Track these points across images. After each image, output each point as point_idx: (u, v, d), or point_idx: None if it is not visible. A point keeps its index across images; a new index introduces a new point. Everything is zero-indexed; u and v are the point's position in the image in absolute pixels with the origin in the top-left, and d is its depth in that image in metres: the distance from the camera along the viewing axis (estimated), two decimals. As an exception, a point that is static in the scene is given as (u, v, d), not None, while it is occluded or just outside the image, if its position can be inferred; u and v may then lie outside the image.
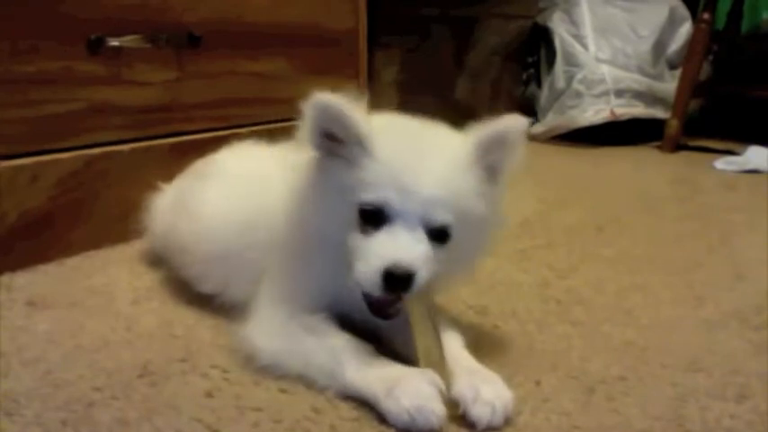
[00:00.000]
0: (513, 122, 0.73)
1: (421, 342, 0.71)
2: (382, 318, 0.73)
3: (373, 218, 0.69)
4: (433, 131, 0.76)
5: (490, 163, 0.73)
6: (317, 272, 0.77)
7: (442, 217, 0.69)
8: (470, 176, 0.71)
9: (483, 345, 0.83)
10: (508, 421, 0.67)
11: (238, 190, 0.90)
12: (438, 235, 0.70)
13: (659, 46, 2.49)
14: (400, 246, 0.67)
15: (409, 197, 0.68)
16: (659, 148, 2.32)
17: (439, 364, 0.70)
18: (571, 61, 2.41)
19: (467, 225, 0.72)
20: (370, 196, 0.69)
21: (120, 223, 1.15)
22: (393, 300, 0.71)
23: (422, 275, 0.67)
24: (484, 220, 0.74)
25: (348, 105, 0.71)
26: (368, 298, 0.71)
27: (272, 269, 0.81)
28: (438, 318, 0.77)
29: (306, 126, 0.72)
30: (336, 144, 0.72)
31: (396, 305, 0.72)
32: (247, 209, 0.85)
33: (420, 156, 0.70)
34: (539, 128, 2.46)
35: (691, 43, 2.30)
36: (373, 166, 0.70)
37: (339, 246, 0.71)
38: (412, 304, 0.72)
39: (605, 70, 2.36)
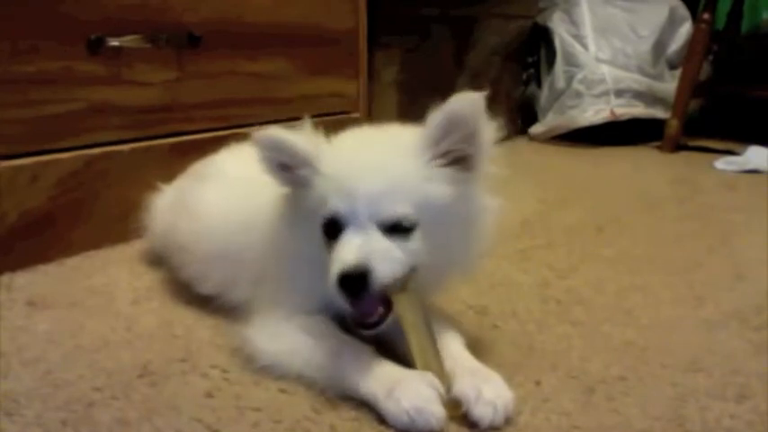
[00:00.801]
0: (462, 102, 0.70)
1: (416, 345, 0.71)
2: (365, 329, 0.72)
3: (332, 230, 0.71)
4: (384, 134, 0.76)
5: (449, 148, 0.71)
6: (312, 274, 0.77)
7: (391, 210, 0.69)
8: (420, 164, 0.70)
9: (483, 345, 0.83)
10: (508, 421, 0.67)
11: (237, 191, 0.90)
12: (398, 228, 0.69)
13: (659, 46, 2.49)
14: (348, 249, 0.68)
15: (353, 200, 0.69)
16: (659, 148, 2.32)
17: (435, 366, 0.70)
18: (571, 61, 2.41)
19: (437, 214, 0.71)
20: (324, 210, 0.71)
21: (120, 223, 1.15)
22: (370, 309, 0.70)
23: (381, 271, 0.67)
24: (459, 208, 0.72)
25: (289, 134, 0.73)
26: (349, 312, 0.72)
27: (270, 270, 0.81)
28: (433, 318, 0.77)
29: (261, 161, 0.75)
30: (291, 172, 0.74)
31: (375, 314, 0.71)
32: (246, 209, 0.85)
33: (361, 159, 0.71)
34: (539, 128, 2.46)
35: (691, 43, 2.30)
36: (321, 181, 0.72)
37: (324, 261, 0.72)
38: (402, 309, 0.71)
39: (605, 70, 2.36)
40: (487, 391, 0.67)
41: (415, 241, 0.70)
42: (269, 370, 0.74)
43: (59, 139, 1.11)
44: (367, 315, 0.71)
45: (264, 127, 0.75)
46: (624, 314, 0.97)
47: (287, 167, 0.74)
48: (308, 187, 0.73)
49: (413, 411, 0.64)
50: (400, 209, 0.69)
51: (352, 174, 0.70)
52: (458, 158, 0.71)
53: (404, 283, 0.70)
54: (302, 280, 0.78)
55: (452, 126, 0.70)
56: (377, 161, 0.70)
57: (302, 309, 0.77)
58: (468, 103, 0.69)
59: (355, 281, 0.66)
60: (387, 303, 0.71)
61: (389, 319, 0.71)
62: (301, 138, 0.73)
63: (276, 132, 0.73)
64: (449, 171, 0.71)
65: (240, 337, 0.77)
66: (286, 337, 0.75)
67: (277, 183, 0.76)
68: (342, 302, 0.69)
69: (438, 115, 0.70)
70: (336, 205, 0.70)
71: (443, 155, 0.71)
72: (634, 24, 2.48)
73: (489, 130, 0.71)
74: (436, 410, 0.64)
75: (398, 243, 0.69)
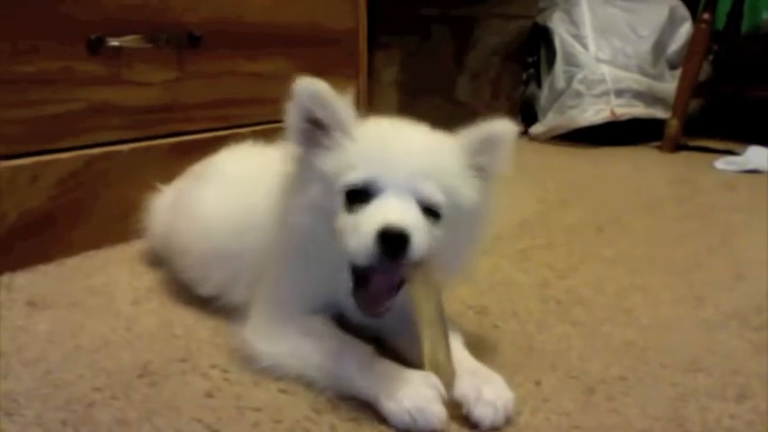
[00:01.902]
0: (504, 127, 0.75)
1: (428, 340, 0.70)
2: (373, 313, 0.70)
3: (361, 196, 0.68)
4: (417, 127, 0.77)
5: (479, 163, 0.74)
6: (312, 273, 0.77)
7: (430, 191, 0.69)
8: (457, 162, 0.73)
9: (483, 345, 0.83)
10: (509, 421, 0.67)
11: (237, 191, 0.90)
12: (429, 211, 0.69)
13: (659, 46, 2.49)
14: (392, 209, 0.66)
15: (397, 169, 0.69)
16: (659, 148, 2.32)
17: (444, 364, 0.69)
18: (571, 61, 2.41)
19: (458, 211, 0.72)
20: (358, 175, 0.69)
21: (120, 223, 1.15)
22: (389, 285, 0.69)
23: (418, 241, 0.65)
24: (475, 210, 0.74)
25: (332, 92, 0.73)
26: (356, 293, 0.70)
27: (269, 271, 0.81)
28: (446, 317, 0.77)
29: (292, 110, 0.73)
30: (319, 131, 0.72)
31: (390, 296, 0.69)
32: (246, 210, 0.85)
33: (404, 137, 0.73)
34: (539, 128, 2.46)
35: (691, 43, 2.30)
36: (357, 147, 0.71)
37: (328, 243, 0.71)
38: (420, 301, 0.69)
39: (605, 70, 2.36)
40: (488, 391, 0.67)
41: (438, 230, 0.70)
42: (269, 371, 0.74)
43: (59, 139, 1.11)
44: (378, 300, 0.69)
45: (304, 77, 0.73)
46: (624, 314, 0.97)
47: (317, 124, 0.72)
48: (333, 150, 0.71)
49: (414, 411, 0.64)
50: (438, 195, 0.70)
51: (399, 147, 0.71)
52: (482, 170, 0.74)
53: (426, 274, 0.69)
54: (302, 280, 0.78)
55: (487, 146, 0.74)
56: (422, 144, 0.73)
57: (302, 309, 0.77)
58: (508, 130, 0.75)
59: (395, 240, 0.64)
60: (396, 290, 0.70)
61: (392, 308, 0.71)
62: (343, 100, 0.73)
63: (321, 85, 0.72)
64: (475, 179, 0.74)
65: (239, 338, 0.77)
66: (286, 338, 0.75)
67: (294, 139, 0.74)
68: (363, 264, 0.66)
69: (478, 132, 0.74)
70: (377, 171, 0.68)
71: (474, 166, 0.74)
72: (634, 24, 2.48)
73: (512, 156, 0.75)
74: (437, 410, 0.64)
75: (428, 224, 0.69)
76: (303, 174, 0.74)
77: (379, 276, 0.68)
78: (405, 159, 0.69)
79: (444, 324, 0.71)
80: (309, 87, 0.72)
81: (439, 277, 0.74)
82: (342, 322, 0.77)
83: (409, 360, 0.74)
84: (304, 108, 0.72)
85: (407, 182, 0.68)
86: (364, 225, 0.65)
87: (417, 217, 0.67)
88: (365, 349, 0.72)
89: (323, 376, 0.71)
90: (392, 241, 0.64)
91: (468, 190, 0.73)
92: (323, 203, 0.71)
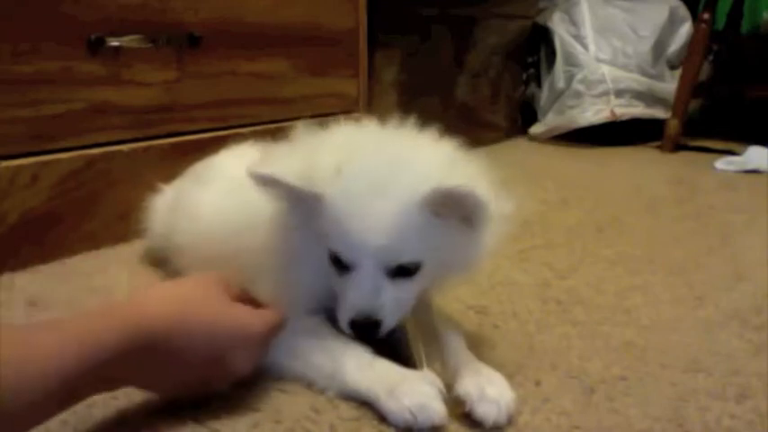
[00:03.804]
0: (467, 192, 0.65)
1: (416, 347, 0.72)
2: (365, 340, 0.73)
3: (339, 262, 0.71)
4: (394, 165, 0.69)
5: (451, 214, 0.69)
6: (311, 273, 0.77)
7: (397, 259, 0.69)
8: (426, 215, 0.67)
9: (483, 345, 0.83)
10: (509, 420, 0.67)
11: (237, 191, 0.90)
12: (405, 270, 0.70)
13: (659, 46, 2.49)
14: (359, 296, 0.69)
15: (359, 250, 0.69)
16: (659, 148, 2.32)
17: (435, 366, 0.71)
18: (571, 61, 2.41)
19: (440, 253, 0.71)
20: (331, 246, 0.70)
21: (120, 223, 1.15)
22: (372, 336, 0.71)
23: (389, 318, 0.70)
24: (464, 246, 0.72)
25: (287, 174, 0.68)
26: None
27: (269, 271, 0.81)
28: (434, 318, 0.78)
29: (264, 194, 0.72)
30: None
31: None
32: (246, 210, 0.85)
33: (368, 207, 0.67)
34: (539, 128, 2.47)
35: (691, 43, 2.30)
36: (325, 219, 0.69)
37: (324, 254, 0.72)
38: (406, 323, 0.74)
39: (605, 70, 2.36)
40: (491, 390, 0.67)
41: (420, 278, 0.71)
42: (268, 371, 0.74)
43: (59, 139, 1.11)
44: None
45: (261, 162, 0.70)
46: (624, 314, 0.97)
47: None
48: (313, 213, 0.70)
49: (414, 408, 0.64)
50: (406, 257, 0.69)
51: (360, 225, 0.68)
52: (462, 219, 0.69)
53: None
54: (302, 281, 0.78)
55: (454, 203, 0.67)
56: (383, 215, 0.67)
57: (302, 310, 0.77)
58: (472, 195, 0.66)
59: (367, 325, 0.69)
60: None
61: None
62: (297, 170, 0.69)
63: (272, 175, 0.69)
64: (453, 222, 0.69)
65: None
66: (285, 339, 0.75)
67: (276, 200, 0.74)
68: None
69: (445, 189, 0.66)
70: (340, 249, 0.70)
71: (451, 216, 0.69)
72: (634, 24, 2.48)
73: (492, 208, 0.68)
74: (438, 407, 0.65)
75: (403, 282, 0.70)
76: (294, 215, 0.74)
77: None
78: (367, 239, 0.67)
79: (432, 327, 0.74)
80: (264, 180, 0.69)
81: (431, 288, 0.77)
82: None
83: (409, 360, 0.74)
84: (273, 195, 0.72)
85: (373, 259, 0.69)
86: (342, 306, 0.71)
87: (387, 294, 0.69)
88: (364, 349, 0.72)
89: (322, 376, 0.71)
90: (363, 327, 0.69)
91: (443, 234, 0.69)
92: (315, 245, 0.72)
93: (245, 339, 0.67)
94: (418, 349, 0.73)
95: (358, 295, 0.69)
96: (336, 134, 0.75)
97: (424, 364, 0.71)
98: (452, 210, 0.68)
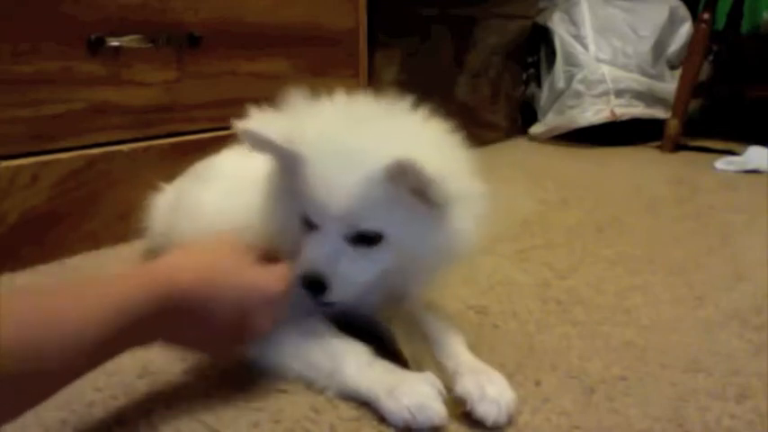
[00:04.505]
0: (406, 163, 0.64)
1: (407, 349, 0.73)
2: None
3: (308, 222, 0.72)
4: (368, 135, 0.70)
5: (412, 187, 0.67)
6: None
7: (360, 225, 0.70)
8: (390, 188, 0.67)
9: (483, 345, 0.83)
10: (509, 420, 0.67)
11: (237, 191, 0.90)
12: (366, 238, 0.70)
13: (659, 46, 2.49)
14: (312, 253, 0.71)
15: (322, 212, 0.70)
16: (659, 148, 2.32)
17: (429, 367, 0.71)
18: (571, 61, 2.41)
19: (404, 230, 0.70)
20: (301, 205, 0.72)
21: (120, 223, 1.15)
22: (320, 305, 0.73)
23: (341, 286, 0.70)
24: (430, 226, 0.71)
25: (269, 129, 0.71)
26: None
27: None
28: (431, 320, 0.79)
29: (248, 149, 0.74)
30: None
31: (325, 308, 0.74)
32: (246, 210, 0.85)
33: (335, 171, 0.69)
34: (539, 128, 2.47)
35: (691, 43, 2.30)
36: (298, 179, 0.71)
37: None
38: (396, 327, 0.75)
39: (605, 70, 2.36)
40: (491, 389, 0.67)
41: (382, 251, 0.71)
42: (268, 371, 0.74)
43: (59, 139, 1.11)
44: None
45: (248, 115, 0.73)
46: (624, 314, 0.97)
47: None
48: (289, 172, 0.72)
49: (414, 408, 0.64)
50: (365, 224, 0.70)
51: (325, 188, 0.69)
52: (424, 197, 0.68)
53: (394, 304, 0.75)
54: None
55: (410, 178, 0.66)
56: (346, 180, 0.68)
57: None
58: (421, 169, 0.64)
59: (315, 284, 0.70)
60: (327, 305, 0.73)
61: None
62: (281, 129, 0.71)
63: (257, 131, 0.72)
64: (415, 199, 0.68)
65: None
66: (284, 339, 0.75)
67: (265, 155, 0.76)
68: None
69: (401, 162, 0.65)
70: (307, 209, 0.71)
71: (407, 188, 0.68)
72: (634, 24, 2.48)
73: (449, 188, 0.67)
74: (437, 407, 0.65)
75: (364, 251, 0.71)
76: (278, 183, 0.77)
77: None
78: (331, 203, 0.69)
79: (421, 329, 0.75)
80: (248, 135, 0.72)
81: (412, 281, 0.77)
82: (341, 323, 0.77)
83: (408, 360, 0.74)
84: (254, 149, 0.74)
85: (334, 223, 0.70)
86: (297, 265, 0.71)
87: (345, 258, 0.70)
88: (364, 349, 0.72)
89: (322, 376, 0.71)
90: (312, 285, 0.70)
91: (406, 209, 0.69)
92: (292, 214, 0.74)
93: (266, 300, 0.69)
94: (407, 350, 0.74)
95: (314, 253, 0.71)
96: (328, 103, 0.77)
97: (413, 365, 0.72)
98: (411, 185, 0.67)
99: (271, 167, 0.77)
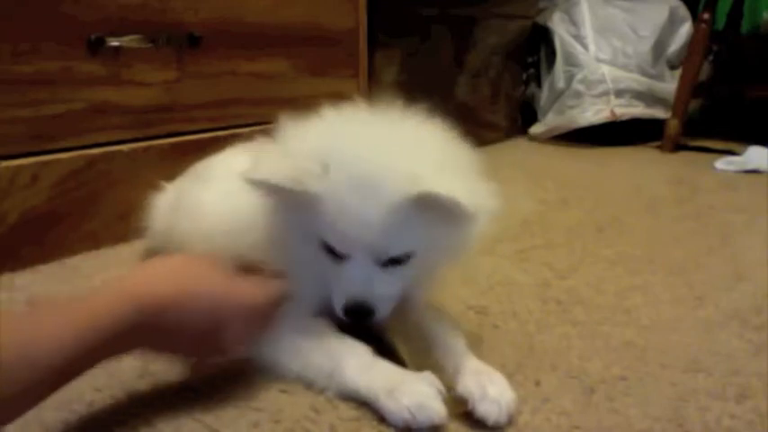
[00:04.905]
0: (455, 203, 0.65)
1: (406, 349, 0.74)
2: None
3: (332, 251, 0.72)
4: (381, 161, 0.69)
5: (439, 211, 0.68)
6: (311, 274, 0.76)
7: (390, 253, 0.70)
8: (415, 212, 0.67)
9: (483, 345, 0.83)
10: (510, 420, 0.67)
11: (238, 191, 0.90)
12: (397, 260, 0.71)
13: (659, 46, 2.49)
14: (352, 282, 0.71)
15: (351, 245, 0.70)
16: (659, 148, 2.32)
17: (428, 367, 0.71)
18: (571, 61, 2.41)
19: (430, 245, 0.71)
20: (324, 238, 0.71)
21: (120, 223, 1.15)
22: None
23: (382, 306, 0.71)
24: (449, 241, 0.73)
25: (284, 175, 0.68)
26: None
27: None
28: (431, 319, 0.78)
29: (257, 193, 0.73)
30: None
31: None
32: (247, 210, 0.85)
33: (358, 205, 0.67)
34: (539, 128, 2.47)
35: (691, 43, 2.30)
36: (316, 214, 0.69)
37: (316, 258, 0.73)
38: (394, 327, 0.77)
39: (605, 70, 2.36)
40: (492, 388, 0.67)
41: (409, 265, 0.72)
42: (268, 371, 0.74)
43: (59, 139, 1.11)
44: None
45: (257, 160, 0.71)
46: (624, 314, 0.97)
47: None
48: (304, 206, 0.70)
49: (413, 408, 0.64)
50: (396, 251, 0.70)
51: (348, 224, 0.68)
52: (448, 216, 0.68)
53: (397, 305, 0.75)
54: (302, 281, 0.78)
55: (439, 205, 0.66)
56: (372, 213, 0.67)
57: (301, 310, 0.77)
58: (455, 203, 0.65)
59: (361, 312, 0.71)
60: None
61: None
62: (289, 171, 0.69)
63: (265, 179, 0.69)
64: (441, 217, 0.68)
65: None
66: (283, 340, 0.75)
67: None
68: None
69: (431, 194, 0.65)
70: (334, 242, 0.71)
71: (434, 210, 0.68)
72: (634, 24, 2.48)
73: (476, 211, 0.68)
74: (437, 406, 0.65)
75: (394, 271, 0.72)
76: (287, 217, 0.74)
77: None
78: (360, 236, 0.69)
79: (422, 328, 0.76)
80: (261, 184, 0.70)
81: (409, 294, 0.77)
82: (341, 323, 0.77)
83: (408, 360, 0.74)
84: (267, 196, 0.73)
85: (367, 248, 0.70)
86: (336, 293, 0.72)
87: (380, 281, 0.71)
88: (364, 349, 0.72)
89: (322, 376, 0.71)
90: (357, 313, 0.71)
91: (432, 227, 0.69)
92: (307, 236, 0.73)
93: (242, 311, 0.69)
94: (406, 350, 0.75)
95: (351, 283, 0.71)
96: (319, 125, 0.74)
97: (411, 365, 0.72)
98: (439, 209, 0.67)
99: (272, 207, 0.75)
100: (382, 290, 0.71)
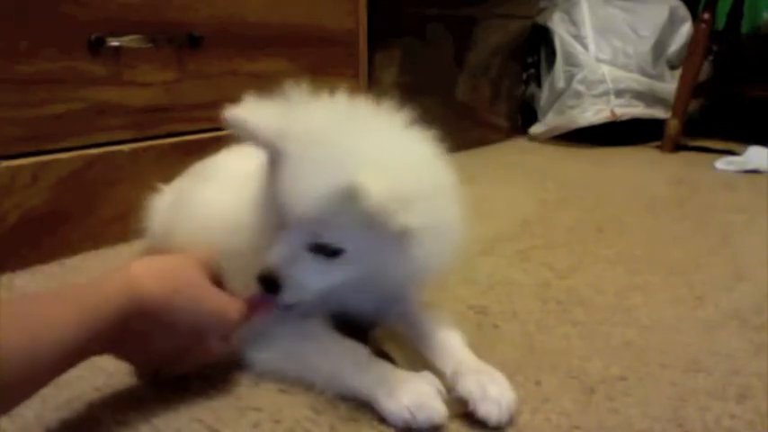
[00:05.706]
0: (366, 201, 0.61)
1: (398, 351, 0.74)
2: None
3: (280, 220, 0.72)
4: (340, 147, 0.68)
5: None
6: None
7: (320, 236, 0.68)
8: (354, 206, 0.63)
9: (483, 345, 0.83)
10: (510, 420, 0.67)
11: (237, 191, 0.90)
12: (325, 250, 0.69)
13: (659, 46, 2.49)
14: (274, 254, 0.70)
15: (287, 214, 0.69)
16: (659, 148, 2.32)
17: (426, 367, 0.71)
18: (571, 61, 2.41)
19: (364, 247, 0.69)
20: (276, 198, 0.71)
21: (120, 223, 1.15)
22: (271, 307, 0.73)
23: (294, 288, 0.70)
24: (391, 254, 0.69)
25: (259, 117, 0.71)
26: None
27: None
28: (429, 318, 0.78)
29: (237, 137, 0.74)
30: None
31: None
32: (246, 210, 0.85)
33: (305, 180, 0.67)
34: (539, 128, 2.47)
35: (691, 43, 2.30)
36: (274, 175, 0.70)
37: None
38: (381, 343, 0.77)
39: (605, 70, 2.36)
40: (492, 388, 0.67)
41: (341, 264, 0.70)
42: (265, 375, 0.74)
43: (59, 139, 1.11)
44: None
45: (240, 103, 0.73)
46: (624, 314, 0.97)
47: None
48: (272, 167, 0.72)
49: (413, 408, 0.64)
50: (325, 238, 0.68)
51: (291, 193, 0.69)
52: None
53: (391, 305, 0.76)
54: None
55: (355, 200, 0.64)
56: (312, 191, 0.67)
57: (299, 311, 0.77)
58: (358, 190, 0.62)
59: (270, 282, 0.70)
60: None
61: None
62: (270, 121, 0.71)
63: (243, 117, 0.72)
64: (377, 225, 0.65)
65: (234, 343, 0.77)
66: (281, 342, 0.75)
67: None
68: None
69: (350, 186, 0.63)
70: (278, 209, 0.70)
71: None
72: (634, 24, 2.48)
73: (395, 220, 0.64)
74: (437, 406, 0.65)
75: (323, 260, 0.69)
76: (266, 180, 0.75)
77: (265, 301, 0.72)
78: (297, 204, 0.68)
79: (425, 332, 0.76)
80: (232, 120, 0.72)
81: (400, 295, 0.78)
82: (340, 324, 0.77)
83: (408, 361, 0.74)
84: (240, 138, 0.73)
85: (298, 225, 0.69)
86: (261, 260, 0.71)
87: (302, 263, 0.70)
88: (362, 350, 0.72)
89: (321, 377, 0.71)
90: (266, 282, 0.70)
91: (369, 234, 0.66)
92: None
93: (222, 324, 0.70)
94: (398, 351, 0.75)
95: (274, 252, 0.70)
96: (323, 103, 0.75)
97: (404, 365, 0.72)
98: (363, 209, 0.63)
99: (262, 161, 0.76)
100: (301, 273, 0.69)
